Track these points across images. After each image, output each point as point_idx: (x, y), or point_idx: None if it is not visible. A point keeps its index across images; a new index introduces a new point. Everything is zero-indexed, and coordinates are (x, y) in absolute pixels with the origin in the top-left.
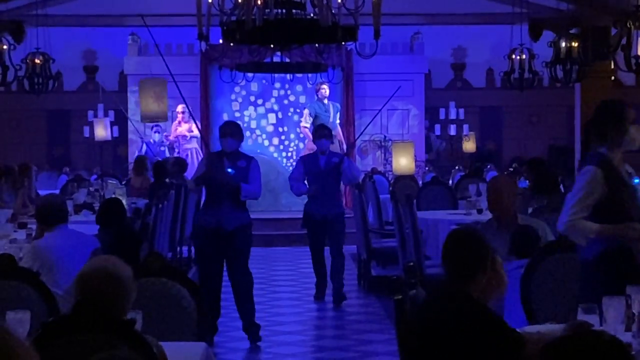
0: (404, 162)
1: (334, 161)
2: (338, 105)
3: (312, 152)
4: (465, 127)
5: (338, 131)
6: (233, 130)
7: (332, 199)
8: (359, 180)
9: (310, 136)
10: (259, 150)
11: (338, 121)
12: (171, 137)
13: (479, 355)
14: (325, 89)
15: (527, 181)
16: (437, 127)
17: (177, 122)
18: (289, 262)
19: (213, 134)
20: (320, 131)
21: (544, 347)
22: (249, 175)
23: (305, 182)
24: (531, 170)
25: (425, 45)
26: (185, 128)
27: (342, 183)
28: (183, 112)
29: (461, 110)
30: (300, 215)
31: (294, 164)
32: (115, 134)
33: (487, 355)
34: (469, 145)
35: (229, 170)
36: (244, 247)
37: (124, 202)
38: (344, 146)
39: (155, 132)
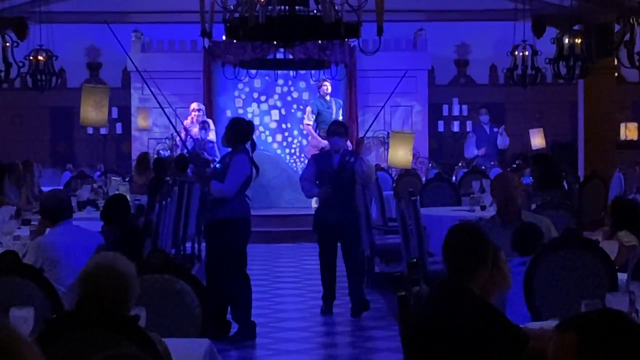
0: (401, 154)
1: (350, 160)
2: (341, 101)
3: (324, 149)
4: (469, 123)
5: None
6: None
7: (347, 203)
8: (372, 179)
9: (313, 133)
10: (262, 147)
11: (341, 118)
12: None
13: (482, 351)
14: (327, 86)
15: (531, 178)
16: (441, 123)
17: (189, 120)
18: (292, 258)
19: (216, 131)
20: (334, 128)
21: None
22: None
23: (317, 183)
24: (536, 165)
25: (429, 42)
26: (198, 129)
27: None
28: (198, 110)
29: (464, 107)
30: (303, 212)
31: (296, 161)
32: (119, 131)
33: (490, 351)
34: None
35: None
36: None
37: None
38: (347, 143)
39: (201, 129)
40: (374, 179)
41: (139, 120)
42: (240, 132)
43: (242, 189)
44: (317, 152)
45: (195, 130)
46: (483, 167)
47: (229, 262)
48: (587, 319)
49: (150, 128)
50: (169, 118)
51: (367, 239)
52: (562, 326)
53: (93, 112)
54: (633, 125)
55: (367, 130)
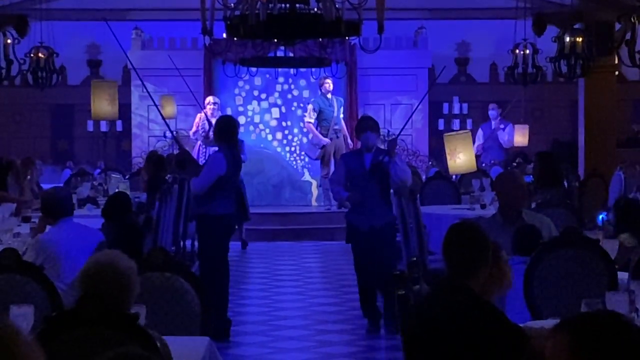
0: (462, 158)
1: (384, 160)
2: (342, 100)
3: (326, 147)
4: (469, 121)
5: (342, 126)
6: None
7: (381, 206)
8: (407, 184)
9: (314, 131)
10: (262, 145)
11: (342, 116)
12: (194, 128)
13: (482, 350)
14: (329, 84)
15: (531, 176)
16: (441, 121)
17: (203, 115)
18: (291, 256)
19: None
20: (364, 122)
21: (559, 324)
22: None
23: (348, 185)
24: (538, 163)
25: (429, 40)
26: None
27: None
28: (214, 104)
29: (464, 105)
30: (303, 210)
31: (296, 159)
32: (119, 128)
33: (490, 350)
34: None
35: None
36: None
37: None
38: (349, 141)
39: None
40: (409, 183)
41: (165, 109)
42: (221, 130)
43: (220, 186)
44: (319, 150)
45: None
46: (484, 164)
47: (204, 258)
48: (581, 320)
49: (175, 116)
50: (163, 118)
51: None
52: (557, 327)
53: (108, 106)
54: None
55: (401, 131)
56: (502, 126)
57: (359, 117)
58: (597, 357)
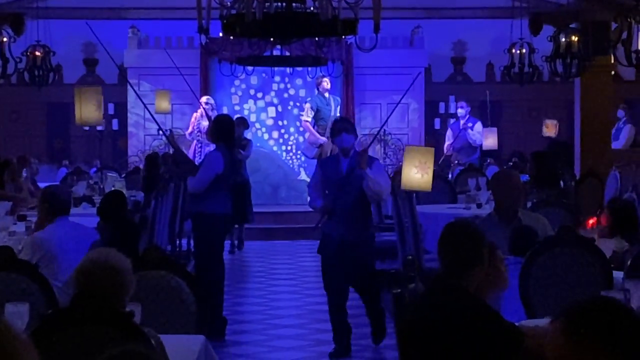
0: (418, 173)
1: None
2: (339, 99)
3: (323, 146)
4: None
5: None
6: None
7: (357, 218)
8: (383, 197)
9: (312, 129)
10: (258, 144)
11: (338, 115)
12: (191, 128)
13: (477, 349)
14: (326, 82)
15: (527, 175)
16: (437, 121)
17: (199, 114)
18: (288, 255)
19: None
20: (339, 125)
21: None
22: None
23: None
24: (534, 162)
25: (425, 39)
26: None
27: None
28: (207, 104)
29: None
30: (299, 209)
31: (293, 158)
32: (115, 127)
33: (485, 349)
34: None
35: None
36: None
37: None
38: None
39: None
40: (386, 195)
41: (159, 103)
42: (218, 129)
43: (215, 185)
44: (316, 149)
45: (204, 123)
46: (456, 162)
47: (200, 256)
48: (575, 306)
49: (170, 111)
50: (154, 118)
51: None
52: (554, 316)
53: (97, 112)
54: (552, 123)
55: (375, 136)
56: (470, 124)
57: (354, 115)
58: (592, 339)
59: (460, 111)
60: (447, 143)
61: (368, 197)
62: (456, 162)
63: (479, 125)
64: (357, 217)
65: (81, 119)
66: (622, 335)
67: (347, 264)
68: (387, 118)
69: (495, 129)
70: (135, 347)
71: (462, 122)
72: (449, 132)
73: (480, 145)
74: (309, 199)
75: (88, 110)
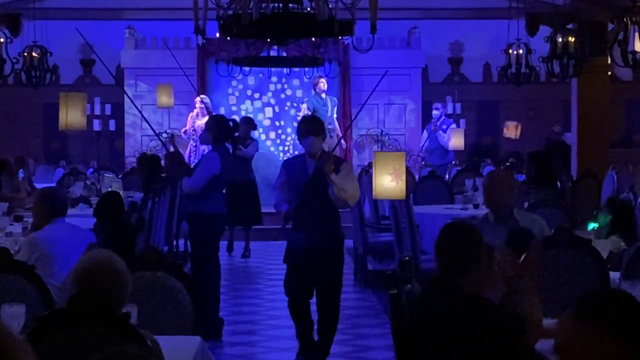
0: (389, 181)
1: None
2: (335, 99)
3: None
4: (462, 121)
5: (336, 126)
6: None
7: (327, 222)
8: (350, 204)
9: None
10: None
11: (335, 115)
12: (187, 127)
13: (477, 345)
14: (323, 83)
15: (524, 175)
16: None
17: (195, 113)
18: None
19: None
20: (306, 126)
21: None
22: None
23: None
24: (531, 162)
25: (422, 40)
26: (204, 122)
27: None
28: (202, 102)
29: (458, 105)
30: None
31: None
32: (112, 128)
33: (487, 343)
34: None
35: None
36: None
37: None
38: (342, 141)
39: None
40: (353, 202)
41: (161, 98)
42: (215, 130)
43: (211, 185)
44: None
45: (199, 122)
46: (423, 163)
47: (196, 256)
48: (586, 295)
49: (173, 106)
50: (147, 121)
51: (360, 237)
52: (561, 311)
53: (82, 117)
54: (513, 124)
55: (338, 143)
56: (444, 127)
57: (351, 116)
58: (601, 326)
59: (435, 112)
60: (420, 145)
61: (334, 204)
62: (423, 163)
63: (452, 128)
64: (326, 223)
65: (66, 124)
66: (631, 322)
67: (314, 272)
68: (355, 116)
69: (462, 129)
70: (127, 349)
71: (437, 123)
72: (424, 134)
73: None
74: (274, 200)
75: (73, 115)
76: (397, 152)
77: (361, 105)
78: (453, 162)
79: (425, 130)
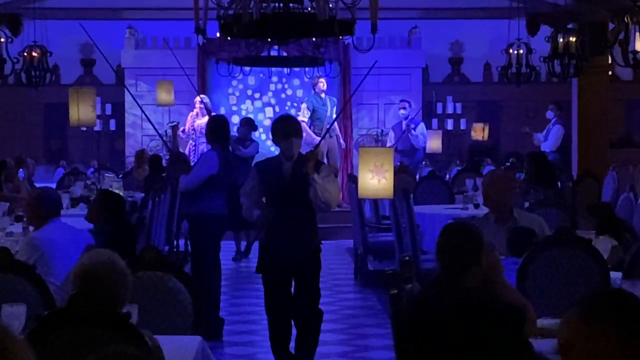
0: (376, 179)
1: (305, 172)
2: (335, 99)
3: (272, 156)
4: (463, 121)
5: (335, 126)
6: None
7: (304, 229)
8: (332, 207)
9: (308, 130)
10: None
11: (334, 115)
12: (187, 127)
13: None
14: (322, 83)
15: (524, 175)
16: (435, 121)
17: (195, 113)
18: None
19: None
20: (286, 126)
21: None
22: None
23: (265, 200)
24: (531, 163)
25: (423, 40)
26: (204, 121)
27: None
28: (202, 102)
29: (458, 105)
30: None
31: None
32: (112, 128)
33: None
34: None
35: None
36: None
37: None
38: (341, 141)
39: None
40: (335, 205)
41: (160, 95)
42: (213, 129)
43: (210, 185)
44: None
45: (199, 122)
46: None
47: (196, 256)
48: (590, 294)
49: (173, 103)
50: (148, 119)
51: (360, 237)
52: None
53: (92, 113)
54: (479, 126)
55: (322, 139)
56: (412, 126)
57: (351, 116)
58: (606, 325)
59: (402, 112)
60: (388, 145)
61: (315, 207)
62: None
63: (421, 127)
64: (303, 229)
65: (78, 120)
66: (636, 322)
67: (295, 281)
68: (337, 116)
69: (440, 131)
70: (125, 348)
71: (404, 123)
72: (391, 134)
73: (424, 148)
74: (243, 208)
75: (84, 111)
76: (384, 148)
77: (349, 97)
78: (424, 163)
79: (392, 130)
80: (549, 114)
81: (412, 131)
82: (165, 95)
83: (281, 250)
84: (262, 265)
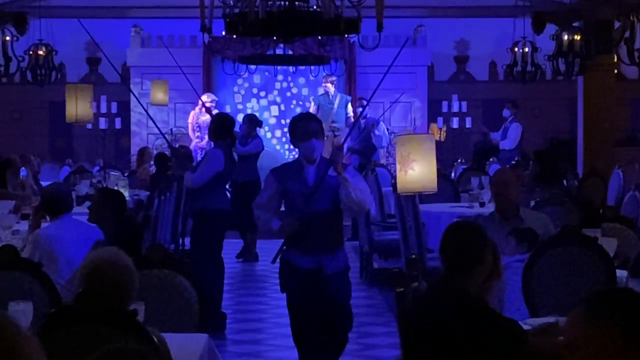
0: (418, 169)
1: (331, 175)
2: (349, 97)
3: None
4: (468, 119)
5: (342, 125)
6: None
7: (331, 238)
8: (366, 208)
9: None
10: None
11: (342, 111)
12: (191, 121)
13: (478, 349)
14: (330, 85)
15: (529, 172)
16: (440, 119)
17: (197, 110)
18: None
19: None
20: (307, 126)
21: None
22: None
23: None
24: (537, 161)
25: (428, 38)
26: (208, 118)
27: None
28: (211, 101)
29: (464, 103)
30: None
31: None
32: (118, 126)
33: (487, 349)
34: None
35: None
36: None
37: (126, 194)
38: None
39: None
40: (369, 205)
41: (155, 95)
42: (218, 127)
43: (215, 182)
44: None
45: (203, 118)
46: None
47: (200, 252)
48: (596, 293)
49: (167, 103)
50: (152, 119)
51: (365, 235)
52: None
53: (82, 109)
54: (436, 127)
55: (347, 136)
56: (377, 126)
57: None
58: (611, 323)
59: (362, 110)
60: (346, 145)
61: (345, 210)
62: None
63: (382, 126)
64: (330, 240)
65: (76, 116)
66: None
67: (325, 300)
68: (357, 119)
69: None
70: (128, 345)
71: (362, 122)
72: (346, 131)
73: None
74: (258, 222)
75: (82, 107)
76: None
77: (397, 103)
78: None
79: (350, 128)
80: (506, 112)
81: (376, 131)
82: (160, 94)
83: (307, 264)
84: (286, 284)
